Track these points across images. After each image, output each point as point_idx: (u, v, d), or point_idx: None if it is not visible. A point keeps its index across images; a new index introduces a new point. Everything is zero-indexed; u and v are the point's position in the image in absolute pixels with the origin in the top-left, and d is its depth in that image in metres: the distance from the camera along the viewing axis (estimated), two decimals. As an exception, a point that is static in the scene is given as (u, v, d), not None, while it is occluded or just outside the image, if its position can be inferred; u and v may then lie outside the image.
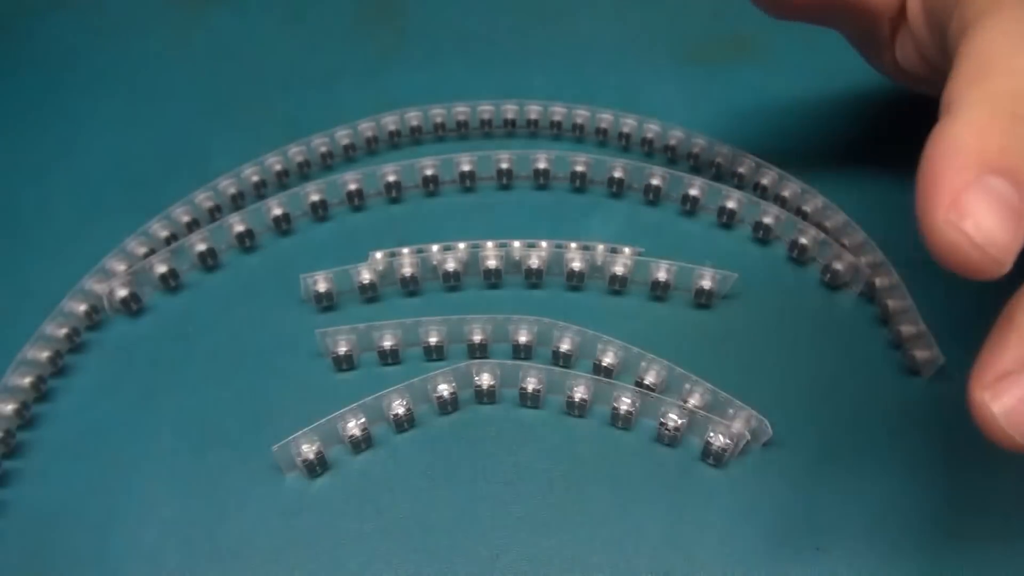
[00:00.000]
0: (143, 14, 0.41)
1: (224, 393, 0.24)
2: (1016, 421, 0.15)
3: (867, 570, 0.20)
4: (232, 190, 0.30)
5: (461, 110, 0.33)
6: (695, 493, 0.22)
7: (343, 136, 0.32)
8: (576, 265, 0.27)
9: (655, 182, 0.29)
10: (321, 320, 0.26)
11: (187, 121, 0.35)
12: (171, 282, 0.27)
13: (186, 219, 0.29)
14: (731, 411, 0.23)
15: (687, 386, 0.23)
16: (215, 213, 0.30)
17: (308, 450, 0.22)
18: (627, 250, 0.27)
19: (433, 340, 0.25)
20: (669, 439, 0.23)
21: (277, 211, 0.29)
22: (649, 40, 0.39)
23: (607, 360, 0.24)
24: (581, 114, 0.32)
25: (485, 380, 0.24)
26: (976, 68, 0.16)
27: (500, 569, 0.20)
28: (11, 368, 0.24)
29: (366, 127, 0.32)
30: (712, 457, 0.22)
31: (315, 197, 0.29)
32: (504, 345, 0.25)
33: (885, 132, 0.33)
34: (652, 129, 0.31)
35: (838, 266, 0.26)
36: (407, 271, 0.27)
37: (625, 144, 0.32)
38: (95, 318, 0.27)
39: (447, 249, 0.27)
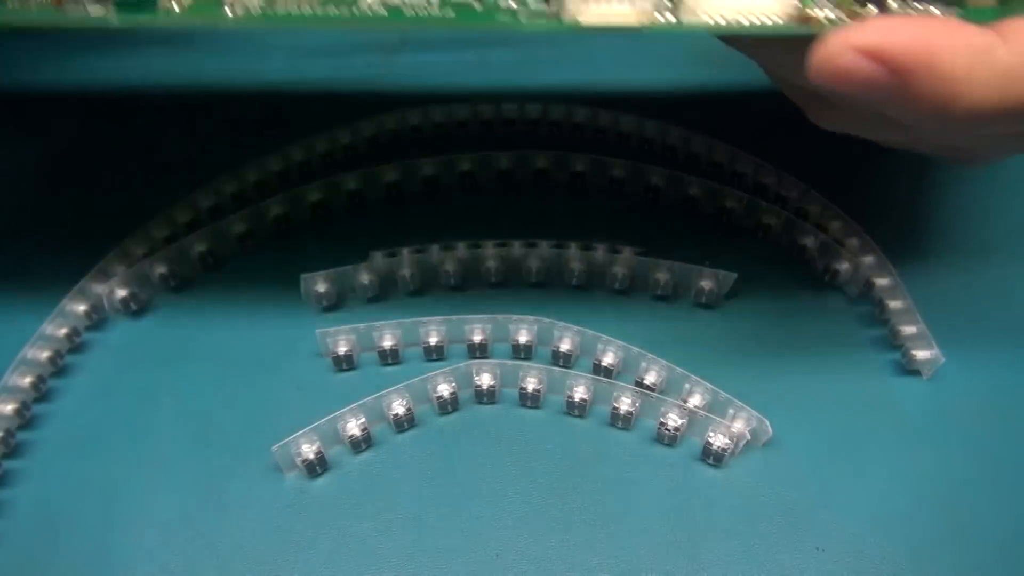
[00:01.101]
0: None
1: (224, 393, 0.24)
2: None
3: (867, 570, 0.20)
4: (232, 190, 0.30)
5: (461, 110, 0.33)
6: (695, 493, 0.22)
7: (343, 136, 0.32)
8: (576, 265, 0.27)
9: (655, 182, 0.29)
10: (321, 320, 0.26)
11: (187, 120, 0.35)
12: (171, 282, 0.27)
13: (186, 219, 0.29)
14: (731, 411, 0.23)
15: (687, 386, 0.23)
16: (215, 213, 0.30)
17: (308, 450, 0.22)
18: (627, 250, 0.27)
19: (433, 340, 0.25)
20: (669, 439, 0.23)
21: (277, 211, 0.29)
22: (649, 40, 0.38)
23: (607, 360, 0.24)
24: (581, 114, 0.32)
25: (485, 380, 0.24)
26: None
27: (500, 569, 0.20)
28: (11, 368, 0.24)
29: (366, 127, 0.32)
30: (712, 457, 0.22)
31: (315, 197, 0.29)
32: (504, 345, 0.25)
33: (885, 132, 0.33)
34: (652, 129, 0.31)
35: (838, 266, 0.26)
36: (407, 271, 0.27)
37: (625, 144, 0.32)
38: (95, 318, 0.27)
39: (447, 249, 0.27)
